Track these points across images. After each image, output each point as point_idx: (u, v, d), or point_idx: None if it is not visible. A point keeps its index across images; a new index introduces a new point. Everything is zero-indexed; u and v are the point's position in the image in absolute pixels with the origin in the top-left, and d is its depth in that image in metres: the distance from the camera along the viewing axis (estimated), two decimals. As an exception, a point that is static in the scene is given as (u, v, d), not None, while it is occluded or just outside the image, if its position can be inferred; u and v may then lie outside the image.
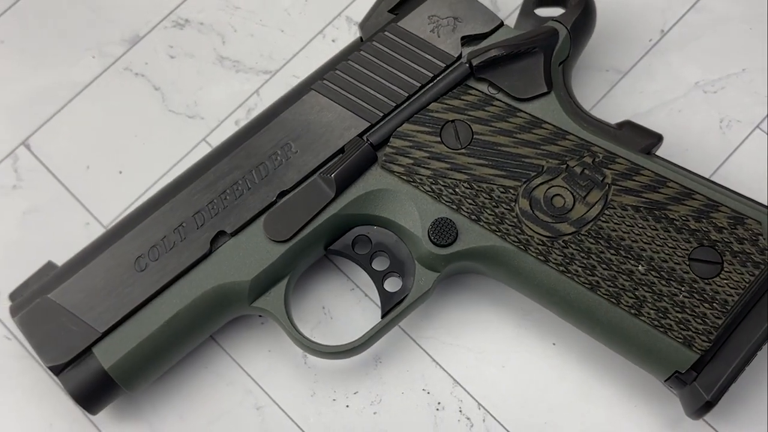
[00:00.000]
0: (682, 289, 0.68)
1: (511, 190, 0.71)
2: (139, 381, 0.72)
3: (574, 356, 0.76)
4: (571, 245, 0.70)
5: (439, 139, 0.73)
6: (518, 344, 0.77)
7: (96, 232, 0.80)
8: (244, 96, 0.85)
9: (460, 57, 0.75)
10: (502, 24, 0.76)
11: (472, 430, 0.75)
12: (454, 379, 0.76)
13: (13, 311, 0.72)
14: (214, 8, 0.87)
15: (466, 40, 0.75)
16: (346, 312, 0.78)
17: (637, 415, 0.75)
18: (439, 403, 0.76)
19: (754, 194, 0.77)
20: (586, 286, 0.69)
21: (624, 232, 0.70)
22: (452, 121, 0.73)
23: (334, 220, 0.73)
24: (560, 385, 0.76)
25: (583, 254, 0.70)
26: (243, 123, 0.83)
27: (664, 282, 0.68)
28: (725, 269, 0.68)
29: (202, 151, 0.82)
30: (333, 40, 0.86)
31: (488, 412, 0.76)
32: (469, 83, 0.74)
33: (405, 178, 0.72)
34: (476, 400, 0.76)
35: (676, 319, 0.68)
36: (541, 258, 0.70)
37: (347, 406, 0.76)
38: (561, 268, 0.70)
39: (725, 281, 0.68)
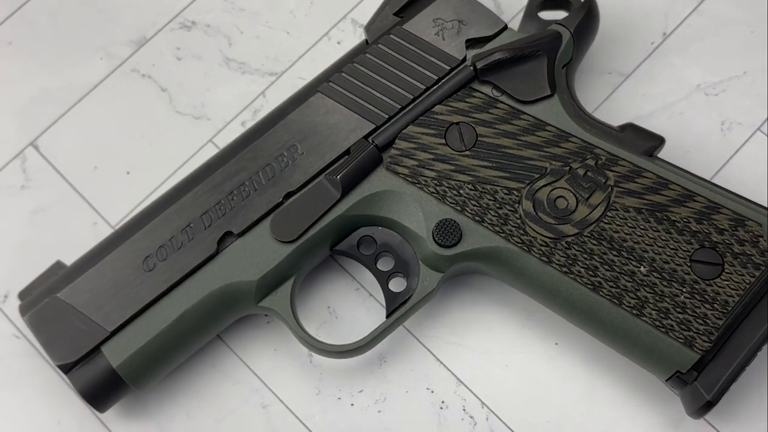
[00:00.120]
0: (684, 290, 0.69)
1: (514, 192, 0.72)
2: (147, 379, 0.73)
3: (577, 356, 0.77)
4: (574, 246, 0.70)
5: (443, 141, 0.73)
6: (521, 344, 0.77)
7: (103, 232, 0.81)
8: (250, 97, 0.85)
9: (464, 60, 0.75)
10: (506, 27, 0.76)
11: (475, 428, 0.76)
12: (458, 379, 0.77)
13: (23, 310, 0.73)
14: (221, 10, 0.88)
15: (471, 43, 0.75)
16: (351, 312, 0.79)
17: (639, 414, 0.75)
18: (442, 402, 0.77)
19: (755, 196, 0.78)
20: (589, 286, 0.70)
21: (626, 234, 0.70)
22: (457, 123, 0.74)
23: (339, 221, 0.73)
24: (563, 385, 0.76)
25: (585, 255, 0.70)
26: (249, 124, 0.84)
27: (665, 283, 0.69)
28: (726, 270, 0.69)
29: (209, 152, 0.83)
30: (338, 42, 0.86)
31: (491, 411, 0.76)
32: (474, 86, 0.74)
33: (410, 179, 0.73)
34: (480, 399, 0.76)
35: (678, 320, 0.68)
36: (545, 259, 0.71)
37: (352, 404, 0.77)
38: (564, 269, 0.70)
39: (726, 282, 0.69)
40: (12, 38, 0.87)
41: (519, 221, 0.71)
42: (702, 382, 0.68)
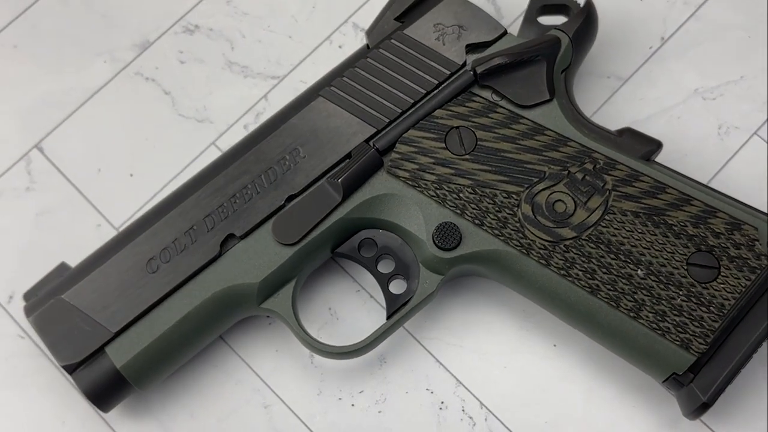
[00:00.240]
0: (680, 292, 0.69)
1: (513, 196, 0.73)
2: (151, 380, 0.73)
3: (575, 358, 0.77)
4: (572, 249, 0.71)
5: (443, 145, 0.74)
6: (520, 345, 0.78)
7: (107, 233, 0.81)
8: (252, 101, 0.86)
9: (464, 64, 0.76)
10: (505, 32, 0.76)
11: (474, 429, 0.76)
12: (457, 380, 0.78)
13: (28, 311, 0.73)
14: (223, 14, 0.88)
15: (471, 48, 0.76)
16: (352, 313, 0.79)
17: (636, 415, 0.76)
18: (442, 402, 0.77)
19: (752, 200, 0.78)
20: (587, 289, 0.70)
21: (624, 237, 0.71)
22: (457, 127, 0.74)
23: (340, 224, 0.74)
24: (561, 386, 0.77)
25: (583, 258, 0.71)
26: (252, 127, 0.84)
27: (662, 286, 0.70)
28: (722, 274, 0.69)
29: (212, 155, 0.83)
30: (340, 46, 0.87)
31: (490, 411, 0.77)
32: (474, 90, 0.75)
33: (410, 183, 0.74)
34: (479, 400, 0.77)
35: (674, 322, 0.69)
36: (543, 262, 0.71)
37: (353, 404, 0.77)
38: (562, 271, 0.71)
39: (722, 285, 0.69)
40: (17, 41, 0.88)
41: (518, 224, 0.72)
42: (698, 384, 0.68)
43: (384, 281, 0.75)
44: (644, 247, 0.70)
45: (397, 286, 0.76)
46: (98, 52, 0.87)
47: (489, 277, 0.75)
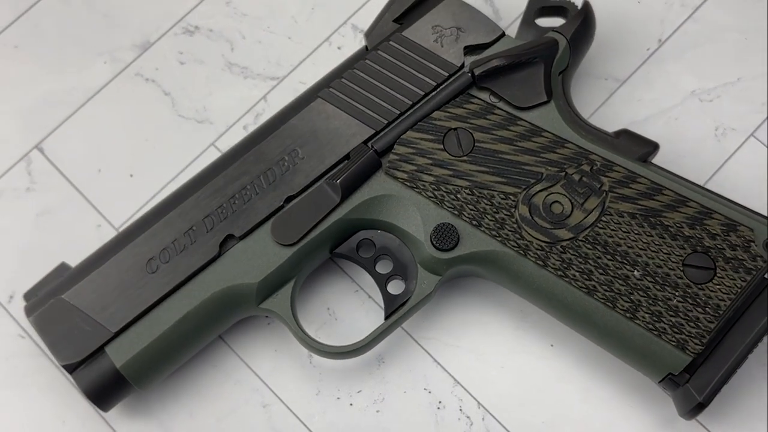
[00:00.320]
0: (676, 293, 0.70)
1: (511, 197, 0.73)
2: (150, 379, 0.74)
3: (572, 358, 0.77)
4: (569, 250, 0.72)
5: (441, 146, 0.74)
6: (517, 345, 0.78)
7: (107, 234, 0.82)
8: (252, 101, 0.86)
9: (462, 66, 0.76)
10: (503, 34, 0.77)
11: (471, 428, 0.77)
12: (455, 379, 0.78)
13: (28, 311, 0.74)
14: (223, 15, 0.88)
15: (469, 50, 0.76)
16: (350, 313, 0.79)
17: (633, 415, 0.76)
18: (440, 402, 0.78)
19: (748, 202, 0.79)
20: (583, 290, 0.71)
21: (620, 238, 0.71)
22: (454, 129, 0.75)
23: (339, 225, 0.74)
24: (558, 386, 0.77)
25: (580, 259, 0.71)
26: (251, 128, 0.84)
27: (658, 287, 0.70)
28: (718, 275, 0.70)
29: (211, 155, 0.84)
30: (339, 48, 0.87)
31: (488, 411, 0.77)
32: (471, 92, 0.75)
33: (408, 184, 0.74)
34: (476, 400, 0.77)
35: (670, 323, 0.69)
36: (540, 263, 0.72)
37: (351, 404, 0.78)
38: (559, 272, 0.71)
39: (718, 286, 0.69)
40: (18, 42, 0.88)
41: (515, 225, 0.72)
42: (694, 384, 0.69)
43: (382, 282, 0.75)
44: (641, 249, 0.71)
45: (395, 287, 0.76)
46: (99, 53, 0.88)
47: (486, 277, 0.76)
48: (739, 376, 0.75)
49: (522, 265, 0.72)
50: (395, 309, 0.74)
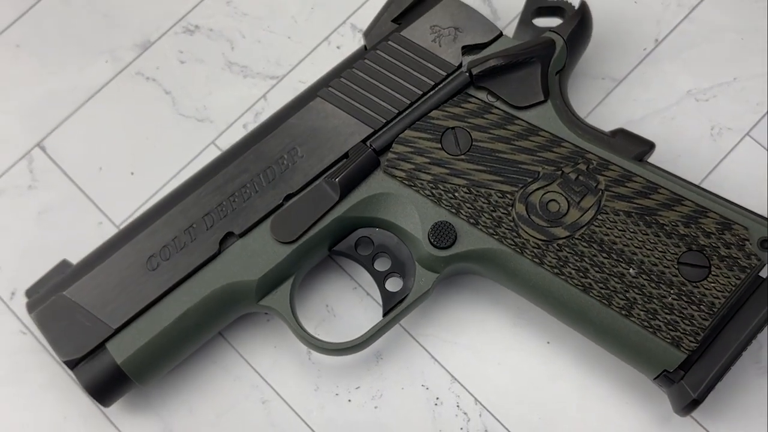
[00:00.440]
0: (671, 291, 0.70)
1: (508, 195, 0.74)
2: (151, 375, 0.74)
3: (568, 355, 0.78)
4: (565, 248, 0.72)
5: (439, 145, 0.75)
6: (514, 342, 0.78)
7: (108, 231, 0.82)
8: (251, 100, 0.86)
9: (460, 66, 0.76)
10: (501, 34, 0.77)
11: (469, 424, 0.77)
12: (452, 376, 0.78)
13: (30, 307, 0.74)
14: (223, 15, 0.89)
15: (467, 50, 0.77)
16: (348, 310, 0.80)
17: (628, 411, 0.76)
18: (437, 398, 0.78)
19: (743, 200, 0.79)
20: (579, 287, 0.71)
21: (616, 237, 0.72)
22: (452, 128, 0.75)
23: (338, 222, 0.74)
24: (554, 382, 0.77)
25: (576, 257, 0.72)
26: (251, 126, 0.85)
27: (653, 285, 0.71)
28: (712, 273, 0.70)
29: (211, 154, 0.84)
30: (338, 47, 0.88)
31: (484, 407, 0.78)
32: (469, 91, 0.76)
33: (406, 182, 0.74)
34: (473, 396, 0.78)
35: (665, 321, 0.70)
36: (537, 260, 0.72)
37: (349, 400, 0.78)
38: (555, 270, 0.72)
39: (712, 284, 0.70)
40: (19, 41, 0.88)
41: (512, 224, 0.73)
42: (688, 380, 0.69)
43: (380, 279, 0.76)
44: (636, 247, 0.71)
45: (393, 284, 0.77)
46: (100, 52, 0.88)
47: (483, 275, 0.76)
48: (733, 373, 0.76)
49: (519, 262, 0.72)
50: (393, 306, 0.75)
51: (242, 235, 0.74)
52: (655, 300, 0.70)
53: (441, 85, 0.76)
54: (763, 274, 0.73)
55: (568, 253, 0.72)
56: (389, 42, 0.77)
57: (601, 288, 0.71)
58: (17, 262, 0.82)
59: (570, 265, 0.72)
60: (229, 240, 0.74)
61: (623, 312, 0.70)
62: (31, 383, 0.79)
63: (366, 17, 0.88)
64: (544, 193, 0.73)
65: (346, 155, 0.75)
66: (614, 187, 0.73)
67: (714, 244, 0.71)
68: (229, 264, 0.74)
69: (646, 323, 0.70)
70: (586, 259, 0.71)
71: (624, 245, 0.71)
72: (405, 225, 0.74)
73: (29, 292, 0.76)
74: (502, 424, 0.77)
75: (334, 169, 0.75)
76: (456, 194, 0.74)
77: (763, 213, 0.79)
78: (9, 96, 0.87)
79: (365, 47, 0.79)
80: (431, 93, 0.76)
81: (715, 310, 0.70)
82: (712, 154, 0.82)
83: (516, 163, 0.74)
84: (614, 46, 0.86)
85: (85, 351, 0.72)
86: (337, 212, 0.74)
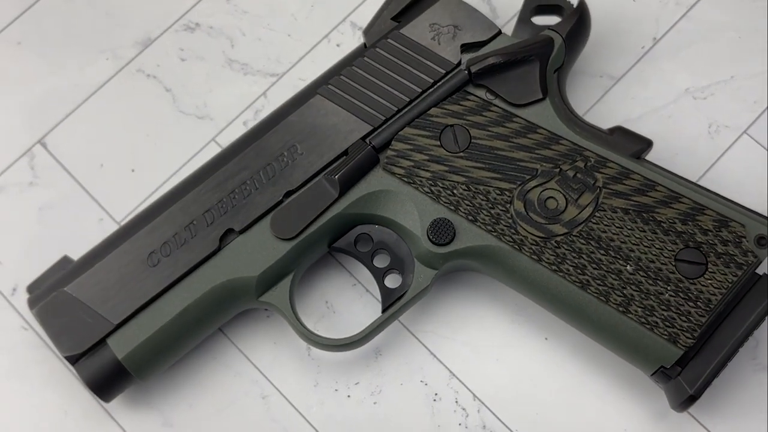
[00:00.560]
0: (668, 288, 0.71)
1: (506, 193, 0.74)
2: (151, 370, 0.74)
3: (566, 351, 0.78)
4: (563, 245, 0.72)
5: (438, 142, 0.75)
6: (512, 339, 0.79)
7: (109, 228, 0.82)
8: (252, 98, 0.87)
9: (459, 64, 0.76)
10: (500, 32, 0.77)
11: (467, 420, 0.78)
12: (451, 372, 0.79)
13: (31, 303, 0.74)
14: (224, 13, 0.89)
15: (466, 48, 0.77)
16: (348, 306, 0.80)
17: (626, 407, 0.77)
18: (436, 394, 0.78)
19: (740, 198, 0.79)
20: (577, 284, 0.72)
21: (613, 234, 0.72)
22: (451, 125, 0.75)
23: (337, 219, 0.75)
24: (552, 378, 0.78)
25: (574, 254, 0.72)
26: (251, 124, 0.85)
27: (651, 281, 0.71)
28: (709, 270, 0.70)
29: (212, 151, 0.84)
30: (338, 45, 0.88)
31: (483, 403, 0.78)
32: (468, 89, 0.76)
33: (405, 179, 0.75)
34: (471, 392, 0.78)
35: (662, 317, 0.70)
36: (535, 257, 0.72)
37: (348, 396, 0.79)
38: (553, 267, 0.72)
39: (709, 281, 0.70)
40: (21, 38, 0.89)
41: (510, 221, 0.73)
42: (685, 377, 0.69)
43: (379, 275, 0.76)
44: (633, 244, 0.72)
45: (392, 281, 0.77)
46: (101, 50, 0.88)
47: (482, 271, 0.77)
48: (729, 370, 0.76)
49: (517, 259, 0.73)
50: (392, 302, 0.75)
51: (242, 231, 0.74)
52: (652, 297, 0.71)
53: (440, 82, 0.76)
54: (760, 271, 0.74)
55: (565, 249, 0.72)
56: (389, 40, 0.78)
57: (599, 284, 0.71)
58: (18, 259, 0.82)
59: (568, 261, 0.72)
60: (229, 236, 0.74)
61: (620, 308, 0.71)
62: (32, 379, 0.79)
63: (366, 15, 0.88)
64: (542, 191, 0.73)
65: (345, 152, 0.75)
66: (612, 185, 0.73)
67: (711, 241, 0.71)
68: (229, 260, 0.74)
69: (643, 320, 0.70)
70: (583, 255, 0.72)
71: (621, 242, 0.72)
72: (404, 222, 0.75)
73: (30, 288, 0.76)
74: (500, 420, 0.77)
75: (333, 166, 0.75)
76: (455, 191, 0.74)
77: (760, 210, 0.79)
78: (10, 93, 0.87)
79: (365, 45, 0.79)
80: (430, 90, 0.76)
81: (712, 306, 0.70)
82: (709, 151, 0.83)
83: (514, 161, 0.74)
84: (612, 45, 0.86)
85: (86, 346, 0.73)
86: (336, 209, 0.75)
